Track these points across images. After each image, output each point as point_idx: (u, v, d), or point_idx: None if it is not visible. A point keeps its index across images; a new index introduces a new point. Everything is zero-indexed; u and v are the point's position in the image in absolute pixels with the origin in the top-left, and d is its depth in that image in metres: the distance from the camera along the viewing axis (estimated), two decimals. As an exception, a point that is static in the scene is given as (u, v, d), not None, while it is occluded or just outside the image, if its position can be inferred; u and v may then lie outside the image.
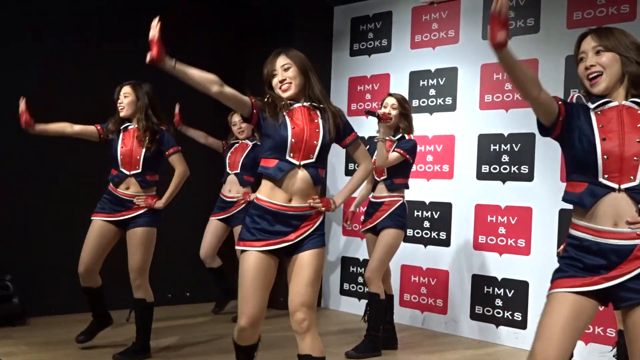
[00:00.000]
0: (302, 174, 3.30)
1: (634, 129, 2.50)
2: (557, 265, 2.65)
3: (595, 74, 2.56)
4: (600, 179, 2.50)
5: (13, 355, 4.75)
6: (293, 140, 3.28)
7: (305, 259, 3.28)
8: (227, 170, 6.22)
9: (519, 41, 5.71)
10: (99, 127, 4.88)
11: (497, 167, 5.78)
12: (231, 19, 7.21)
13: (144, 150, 4.77)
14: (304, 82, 3.39)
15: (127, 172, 4.78)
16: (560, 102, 2.60)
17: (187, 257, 6.71)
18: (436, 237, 6.18)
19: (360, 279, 6.80)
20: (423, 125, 6.23)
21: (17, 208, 5.85)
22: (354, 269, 6.87)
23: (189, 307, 6.69)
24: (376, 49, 6.80)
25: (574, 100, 2.73)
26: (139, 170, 4.78)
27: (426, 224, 6.26)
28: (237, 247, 3.33)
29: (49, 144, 5.82)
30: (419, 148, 6.17)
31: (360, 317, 6.57)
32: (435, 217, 6.20)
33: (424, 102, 6.34)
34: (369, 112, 5.05)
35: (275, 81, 3.38)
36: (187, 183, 6.45)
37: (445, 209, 6.14)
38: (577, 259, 2.54)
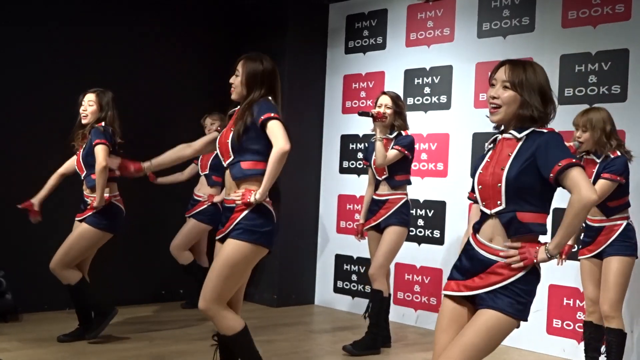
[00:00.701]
0: (228, 173, 3.58)
1: (504, 157, 2.72)
2: (550, 266, 2.77)
3: (495, 106, 2.75)
4: (481, 207, 2.79)
5: (6, 351, 4.75)
6: (219, 145, 3.61)
7: (218, 249, 3.57)
8: (199, 171, 6.48)
9: (513, 40, 5.72)
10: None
11: (492, 165, 5.78)
12: (226, 16, 7.19)
13: (81, 151, 5.01)
14: (245, 94, 3.57)
15: (81, 176, 5.06)
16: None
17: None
18: (430, 235, 6.18)
19: (354, 277, 6.80)
20: (417, 123, 6.23)
21: (9, 205, 5.82)
22: (348, 267, 6.87)
23: (182, 304, 6.67)
24: (371, 47, 6.80)
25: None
26: (85, 172, 4.99)
27: (420, 222, 6.27)
28: None
29: (39, 140, 5.82)
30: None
31: (353, 315, 6.60)
32: (430, 215, 6.20)
33: (418, 100, 6.34)
34: (362, 113, 5.09)
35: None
36: (180, 184, 6.46)
37: (439, 207, 6.14)
38: (460, 259, 2.84)
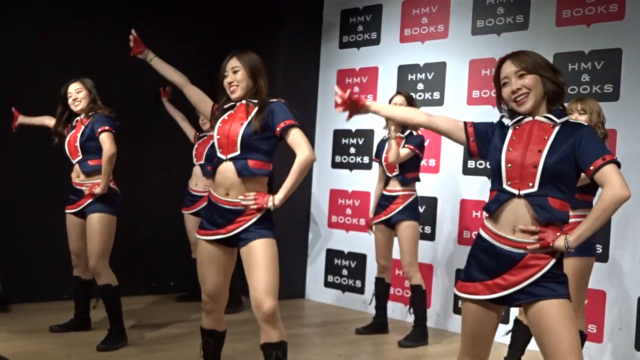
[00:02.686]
0: (229, 168, 3.41)
1: (539, 140, 2.71)
2: None
3: (522, 95, 2.74)
4: (504, 186, 2.72)
5: (-5, 342, 4.75)
6: (218, 136, 3.46)
7: (251, 252, 3.37)
8: (194, 160, 6.36)
9: (507, 38, 5.73)
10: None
11: (483, 162, 5.80)
12: (219, 10, 7.17)
13: (76, 134, 4.90)
14: (252, 85, 3.48)
15: (73, 160, 4.94)
16: (469, 125, 2.92)
17: (171, 247, 6.71)
18: (421, 231, 6.18)
19: (344, 272, 6.81)
20: (411, 119, 6.25)
21: None
22: (338, 262, 6.88)
23: (172, 296, 6.67)
24: (365, 42, 6.80)
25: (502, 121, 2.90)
26: (81, 157, 4.89)
27: (412, 217, 6.28)
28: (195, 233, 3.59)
29: (30, 133, 5.78)
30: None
31: (344, 309, 6.62)
32: (421, 211, 6.21)
33: (412, 96, 6.34)
34: None
35: (225, 82, 3.51)
36: (168, 173, 6.44)
37: (430, 203, 6.16)
38: (478, 258, 2.77)
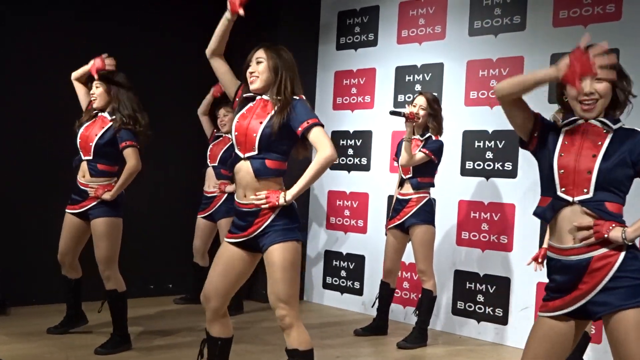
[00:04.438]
0: (246, 167, 3.32)
1: (593, 145, 2.64)
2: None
3: (592, 102, 2.64)
4: (558, 193, 2.65)
5: (-7, 345, 4.74)
6: (236, 133, 3.36)
7: (268, 258, 3.30)
8: (208, 161, 6.31)
9: (504, 39, 5.73)
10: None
11: (481, 163, 5.80)
12: (217, 11, 7.15)
13: (97, 135, 4.76)
14: (273, 79, 3.38)
15: (82, 157, 4.82)
16: (538, 118, 2.77)
17: (169, 250, 6.70)
18: (419, 232, 6.18)
19: (343, 273, 6.81)
20: (408, 120, 6.26)
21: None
22: (337, 263, 6.87)
23: (170, 298, 6.66)
24: (363, 43, 6.80)
25: (551, 119, 2.81)
26: (92, 157, 4.78)
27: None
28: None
29: (27, 134, 5.79)
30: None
31: (342, 311, 6.62)
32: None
33: (409, 97, 6.34)
34: (394, 112, 5.15)
35: (247, 72, 3.44)
36: (170, 177, 6.43)
37: (428, 204, 6.15)
38: (554, 279, 2.70)
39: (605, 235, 2.55)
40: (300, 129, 3.26)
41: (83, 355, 4.61)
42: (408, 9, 6.45)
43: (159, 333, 5.36)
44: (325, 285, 6.98)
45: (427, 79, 6.25)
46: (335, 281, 6.90)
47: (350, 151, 6.78)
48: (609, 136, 2.65)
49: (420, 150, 5.26)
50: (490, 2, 5.87)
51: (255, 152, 3.30)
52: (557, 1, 5.48)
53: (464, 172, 5.94)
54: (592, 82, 2.62)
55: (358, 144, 6.75)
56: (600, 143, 2.63)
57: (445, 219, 6.03)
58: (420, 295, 5.48)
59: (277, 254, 3.26)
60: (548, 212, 2.68)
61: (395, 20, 6.54)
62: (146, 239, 6.56)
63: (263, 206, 3.27)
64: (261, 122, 3.29)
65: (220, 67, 3.58)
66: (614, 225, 2.56)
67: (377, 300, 5.69)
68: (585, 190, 2.60)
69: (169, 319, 5.85)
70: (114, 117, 4.78)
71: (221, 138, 6.26)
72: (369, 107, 6.70)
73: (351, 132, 6.80)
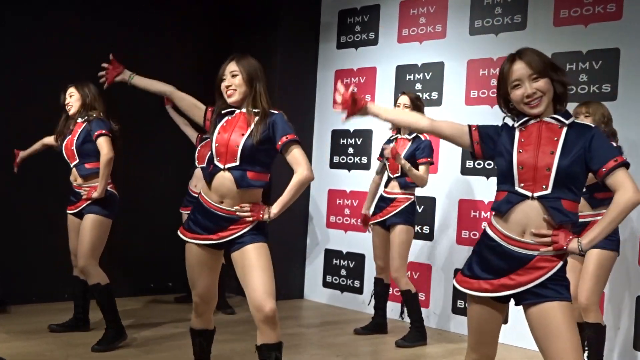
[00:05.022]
0: (227, 177, 3.40)
1: (550, 141, 2.71)
2: None
3: (537, 99, 2.73)
4: (517, 188, 2.72)
5: (-7, 343, 4.74)
6: (217, 144, 3.44)
7: (245, 257, 3.37)
8: (196, 163, 6.34)
9: (505, 38, 5.73)
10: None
11: (482, 162, 5.80)
12: (218, 10, 7.17)
13: (72, 138, 4.94)
14: (249, 90, 3.44)
15: (71, 164, 4.99)
16: (473, 129, 2.91)
17: (169, 248, 6.69)
18: (420, 231, 6.19)
19: (343, 272, 6.81)
20: (408, 119, 6.27)
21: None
22: (337, 262, 6.88)
23: (170, 296, 6.67)
24: (363, 42, 6.80)
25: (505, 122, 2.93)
26: (77, 161, 4.94)
27: (410, 217, 6.28)
28: (178, 233, 3.55)
29: (28, 133, 5.78)
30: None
31: (342, 310, 6.62)
32: (419, 211, 6.21)
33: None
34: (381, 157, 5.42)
35: (223, 86, 3.47)
36: (169, 177, 6.41)
37: (429, 203, 6.16)
38: (484, 256, 2.78)
39: (564, 248, 2.64)
40: (280, 143, 3.36)
41: (83, 354, 4.62)
42: (409, 8, 6.45)
43: (159, 331, 5.37)
44: (325, 284, 6.99)
45: (428, 78, 6.25)
46: (336, 280, 6.91)
47: (351, 150, 6.78)
48: (564, 131, 2.72)
49: (420, 164, 5.30)
50: (491, 1, 5.87)
51: (237, 163, 3.38)
52: (557, 0, 5.48)
53: (464, 171, 5.95)
54: (531, 83, 2.72)
55: (358, 142, 6.75)
56: (556, 139, 2.71)
57: (445, 218, 6.04)
58: (402, 298, 5.48)
59: (256, 251, 3.36)
60: (503, 205, 2.75)
61: (396, 19, 6.54)
62: (146, 238, 6.57)
63: (247, 219, 3.36)
64: (243, 134, 3.38)
65: (182, 102, 3.64)
66: (571, 237, 2.65)
67: (373, 297, 5.73)
68: (544, 186, 2.67)
69: (169, 317, 5.85)
70: (85, 117, 4.96)
71: (208, 139, 6.26)
72: (370, 106, 6.69)
73: (351, 131, 6.80)
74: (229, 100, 3.44)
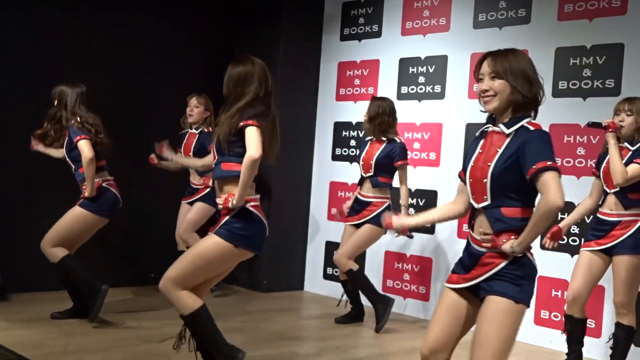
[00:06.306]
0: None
1: (492, 153, 2.78)
2: (545, 257, 2.80)
3: (489, 96, 2.80)
4: (471, 199, 2.87)
5: (-6, 331, 4.75)
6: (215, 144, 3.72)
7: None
8: (181, 153, 6.29)
9: (509, 32, 5.72)
10: None
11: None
12: (221, 2, 7.14)
13: (64, 147, 5.17)
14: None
15: (73, 171, 5.18)
16: (461, 172, 3.00)
17: (170, 239, 6.69)
18: (421, 224, 6.18)
19: (343, 264, 6.80)
20: (411, 112, 6.25)
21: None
22: (338, 254, 6.87)
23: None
24: (367, 35, 6.78)
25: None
26: (73, 167, 5.14)
27: (412, 211, 6.27)
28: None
29: (28, 126, 5.77)
30: (406, 135, 6.22)
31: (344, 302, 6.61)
32: (421, 204, 6.22)
33: (412, 89, 6.33)
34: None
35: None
36: (166, 169, 6.38)
37: (430, 196, 6.16)
38: (462, 256, 2.95)
39: (499, 246, 2.74)
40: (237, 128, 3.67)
41: (83, 343, 4.63)
42: (413, 1, 6.43)
43: (159, 321, 5.37)
44: (326, 276, 6.99)
45: (431, 71, 6.24)
46: (336, 272, 6.89)
47: (353, 142, 6.77)
48: (506, 141, 2.77)
49: (399, 168, 5.44)
50: (496, -5, 5.86)
51: (218, 157, 3.69)
52: (562, -6, 5.47)
53: (466, 165, 5.93)
54: (489, 80, 2.80)
55: (360, 135, 6.74)
56: (497, 150, 2.77)
57: (447, 211, 6.03)
58: (348, 278, 5.59)
59: (207, 241, 3.63)
60: (470, 219, 2.92)
61: (400, 11, 6.52)
62: (148, 228, 6.57)
63: (219, 206, 3.63)
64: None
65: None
66: (505, 240, 2.73)
67: (344, 297, 5.81)
68: (485, 197, 2.79)
69: (170, 307, 5.84)
70: (68, 124, 5.11)
71: (188, 134, 6.23)
72: (372, 99, 6.68)
73: (354, 123, 6.79)
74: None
